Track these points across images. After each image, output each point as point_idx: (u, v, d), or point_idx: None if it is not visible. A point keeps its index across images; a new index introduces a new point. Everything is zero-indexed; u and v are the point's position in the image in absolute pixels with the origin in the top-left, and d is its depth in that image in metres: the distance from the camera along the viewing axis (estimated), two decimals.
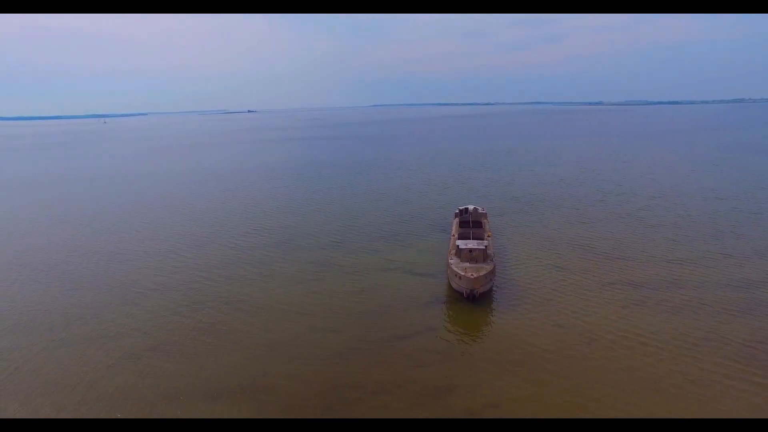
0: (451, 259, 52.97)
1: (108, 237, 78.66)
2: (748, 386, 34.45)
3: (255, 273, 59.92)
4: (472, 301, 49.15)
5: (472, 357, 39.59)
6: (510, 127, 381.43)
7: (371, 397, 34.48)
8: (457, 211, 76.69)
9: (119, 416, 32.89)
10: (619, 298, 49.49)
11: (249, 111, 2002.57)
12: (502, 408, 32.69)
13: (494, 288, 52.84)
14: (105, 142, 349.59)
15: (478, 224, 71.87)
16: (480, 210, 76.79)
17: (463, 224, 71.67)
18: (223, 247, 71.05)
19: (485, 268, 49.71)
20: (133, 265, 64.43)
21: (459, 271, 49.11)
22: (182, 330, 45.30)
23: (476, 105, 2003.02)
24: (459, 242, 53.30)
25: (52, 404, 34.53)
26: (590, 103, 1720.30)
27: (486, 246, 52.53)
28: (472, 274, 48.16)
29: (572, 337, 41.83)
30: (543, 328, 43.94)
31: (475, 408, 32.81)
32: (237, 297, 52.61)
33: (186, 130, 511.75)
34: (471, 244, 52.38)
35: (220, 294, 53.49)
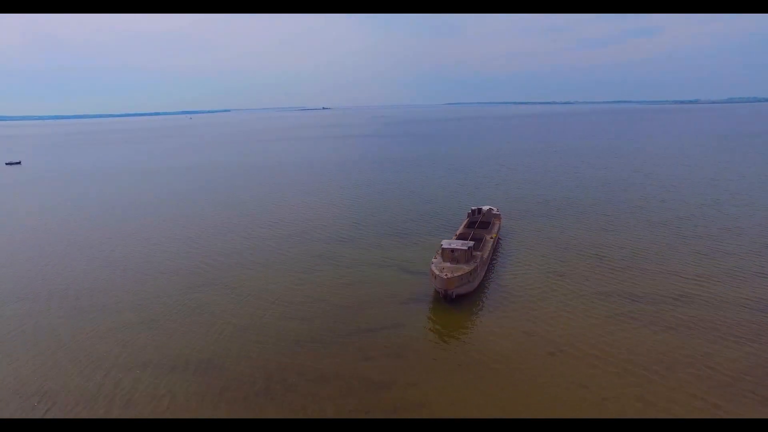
0: (435, 258, 52.64)
1: (144, 223, 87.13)
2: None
3: (258, 262, 63.56)
4: (449, 302, 48.66)
5: (424, 356, 39.43)
6: (581, 127, 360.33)
7: (308, 383, 35.87)
8: (470, 212, 75.42)
9: (89, 374, 37.29)
10: (608, 311, 46.33)
11: (323, 108, 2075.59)
12: (426, 408, 32.54)
13: (484, 290, 51.80)
14: (184, 137, 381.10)
15: (485, 225, 70.29)
16: (494, 211, 74.86)
17: (471, 225, 70.48)
18: (239, 237, 75.91)
19: (463, 269, 48.86)
20: (154, 248, 71.10)
21: (436, 271, 48.79)
22: (172, 309, 49.71)
23: (555, 104, 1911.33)
24: (444, 242, 52.76)
25: (43, 356, 39.93)
26: (685, 102, 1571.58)
27: (470, 247, 51.44)
28: (446, 275, 47.65)
29: (535, 347, 40.12)
30: (511, 335, 42.55)
31: (400, 405, 32.96)
32: (232, 283, 56.35)
33: (258, 125, 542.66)
34: (455, 244, 51.62)
35: (218, 279, 57.62)
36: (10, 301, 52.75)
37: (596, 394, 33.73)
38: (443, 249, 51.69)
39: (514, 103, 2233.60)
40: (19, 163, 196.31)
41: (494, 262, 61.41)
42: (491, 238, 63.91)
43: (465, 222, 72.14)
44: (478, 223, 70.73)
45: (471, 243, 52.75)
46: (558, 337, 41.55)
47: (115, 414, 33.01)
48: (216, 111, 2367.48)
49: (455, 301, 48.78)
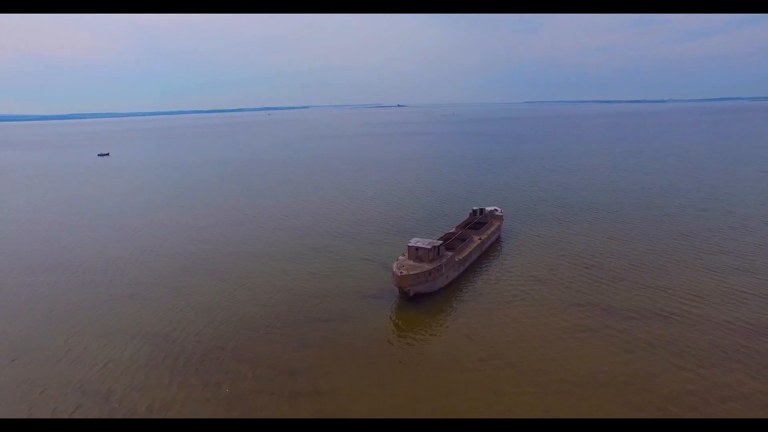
0: (402, 255, 52.98)
1: (168, 212, 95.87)
2: None
3: (253, 251, 67.91)
4: (408, 300, 48.96)
5: (355, 349, 40.35)
6: (662, 127, 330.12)
7: (236, 362, 38.65)
8: (471, 211, 74.18)
9: (64, 327, 43.13)
10: (571, 322, 43.88)
11: (398, 105, 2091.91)
12: (323, 397, 33.82)
13: (454, 290, 51.37)
14: (255, 132, 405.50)
15: (480, 225, 68.95)
16: (497, 212, 72.89)
17: (466, 224, 69.46)
18: (249, 227, 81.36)
19: (422, 268, 48.82)
20: (174, 233, 78.45)
21: (394, 268, 49.28)
22: (158, 286, 55.33)
23: (645, 102, 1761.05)
24: (412, 240, 52.88)
25: (43, 310, 46.82)
26: None
27: (435, 247, 51.10)
28: (401, 272, 47.99)
29: (468, 352, 39.42)
30: (451, 336, 42.16)
31: (302, 391, 34.46)
32: (222, 269, 60.98)
33: (331, 122, 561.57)
34: (420, 243, 51.59)
35: (211, 265, 62.58)
36: (37, 272, 61.67)
37: (505, 403, 32.79)
38: (408, 247, 51.92)
39: (599, 101, 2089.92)
40: (107, 154, 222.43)
41: (481, 262, 60.18)
42: (480, 239, 62.62)
43: (463, 221, 71.19)
44: (474, 224, 69.42)
45: (439, 243, 52.37)
46: (499, 344, 40.39)
47: (66, 369, 38.14)
48: (295, 107, 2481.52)
49: (414, 300, 48.95)
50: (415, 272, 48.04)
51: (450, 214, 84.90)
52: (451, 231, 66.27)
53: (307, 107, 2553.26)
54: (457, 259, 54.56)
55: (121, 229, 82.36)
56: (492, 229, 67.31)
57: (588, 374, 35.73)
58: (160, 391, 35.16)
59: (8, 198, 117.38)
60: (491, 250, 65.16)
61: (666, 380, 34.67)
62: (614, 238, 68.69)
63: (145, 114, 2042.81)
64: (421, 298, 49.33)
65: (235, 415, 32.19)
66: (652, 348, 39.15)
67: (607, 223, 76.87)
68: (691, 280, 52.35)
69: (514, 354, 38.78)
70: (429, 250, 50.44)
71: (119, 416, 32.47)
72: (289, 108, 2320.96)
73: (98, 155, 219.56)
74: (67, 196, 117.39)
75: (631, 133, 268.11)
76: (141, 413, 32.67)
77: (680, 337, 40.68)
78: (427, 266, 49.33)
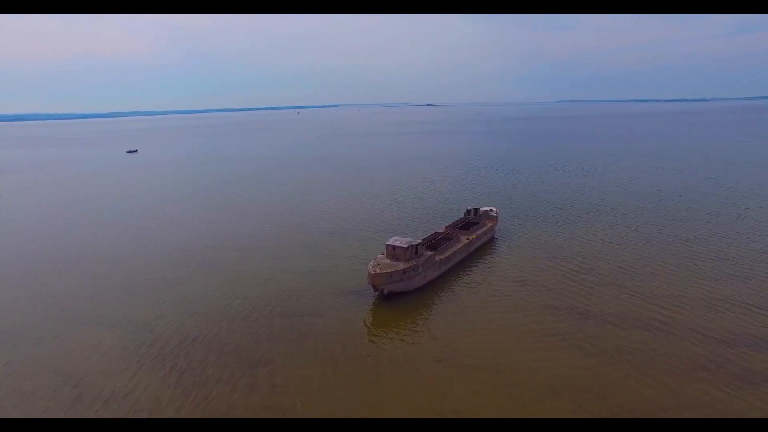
0: (381, 254, 53.31)
1: (178, 208, 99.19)
2: None
3: (248, 246, 69.83)
4: (383, 298, 49.34)
5: (315, 343, 40.99)
6: (697, 126, 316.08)
7: (204, 351, 40.18)
8: (466, 211, 73.82)
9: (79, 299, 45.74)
10: (544, 326, 43.17)
11: (427, 104, 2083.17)
12: (275, 389, 34.68)
13: (433, 290, 51.37)
14: (279, 131, 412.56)
15: (470, 225, 68.63)
16: (492, 213, 72.18)
17: (457, 224, 69.20)
18: (251, 223, 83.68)
19: (396, 267, 49.05)
20: (175, 229, 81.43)
21: (368, 267, 49.72)
22: (151, 279, 57.87)
23: (685, 101, 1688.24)
24: (390, 239, 53.11)
25: (42, 297, 49.86)
26: None
27: (412, 246, 51.17)
28: (374, 270, 48.39)
29: (429, 351, 39.42)
30: (417, 336, 42.25)
31: (257, 383, 35.42)
32: (213, 262, 63.09)
33: (357, 121, 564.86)
34: (398, 242, 51.78)
35: (204, 258, 64.80)
36: (46, 262, 65.43)
37: (450, 404, 32.67)
38: (386, 245, 52.21)
39: (636, 100, 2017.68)
40: (135, 151, 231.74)
41: (468, 263, 59.85)
42: (468, 239, 62.29)
43: (454, 221, 70.92)
44: (465, 224, 69.04)
45: (417, 242, 52.44)
46: (462, 345, 40.19)
47: (47, 352, 40.51)
48: (324, 106, 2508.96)
49: (389, 298, 49.28)
50: (389, 271, 48.32)
51: (451, 214, 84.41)
52: (439, 231, 66.13)
53: (337, 106, 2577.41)
54: (437, 259, 54.48)
55: (130, 223, 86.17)
56: (483, 229, 66.70)
57: (546, 378, 35.22)
58: (126, 376, 36.97)
59: (31, 194, 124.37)
60: (481, 250, 64.61)
61: (625, 388, 33.79)
62: (612, 242, 66.78)
63: (178, 112, 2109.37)
64: (397, 297, 49.59)
65: (189, 401, 33.49)
66: (621, 355, 38.15)
67: (608, 226, 74.77)
68: (680, 287, 50.46)
69: (475, 355, 38.58)
70: (405, 249, 50.58)
71: (83, 398, 34.29)
72: (319, 107, 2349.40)
73: (127, 152, 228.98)
74: (88, 191, 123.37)
75: (660, 133, 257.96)
76: (104, 396, 34.43)
77: (653, 345, 39.45)
78: (402, 265, 49.50)
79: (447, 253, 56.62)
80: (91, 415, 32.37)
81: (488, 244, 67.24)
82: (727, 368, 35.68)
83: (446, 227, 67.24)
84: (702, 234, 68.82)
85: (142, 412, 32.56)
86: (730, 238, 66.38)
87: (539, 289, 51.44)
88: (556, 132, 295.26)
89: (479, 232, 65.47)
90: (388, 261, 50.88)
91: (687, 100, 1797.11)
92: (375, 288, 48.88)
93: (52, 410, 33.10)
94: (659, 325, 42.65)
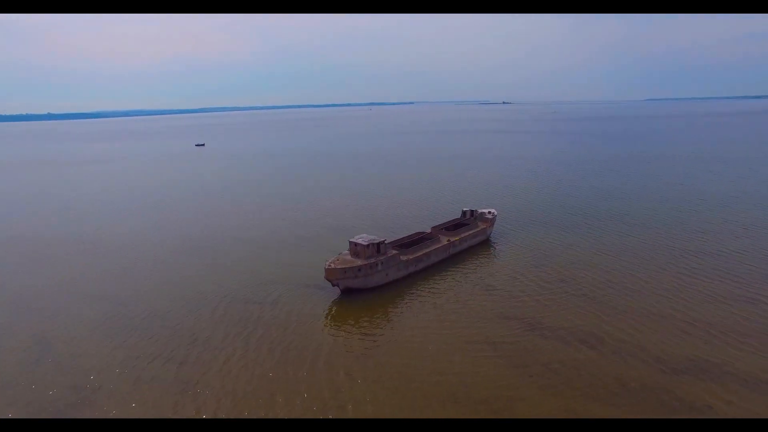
0: (346, 250, 54.39)
1: (216, 200, 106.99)
2: None
3: (249, 237, 74.39)
4: (342, 293, 50.61)
5: (256, 329, 43.42)
6: None
7: (156, 327, 44.46)
8: (462, 212, 72.54)
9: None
10: (483, 335, 41.80)
11: (503, 102, 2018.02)
12: (196, 365, 37.51)
13: (396, 290, 51.69)
14: (345, 126, 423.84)
15: (460, 226, 67.50)
16: (487, 215, 70.20)
17: (447, 225, 68.33)
18: (264, 216, 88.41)
19: (352, 263, 49.97)
20: (200, 219, 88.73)
21: (328, 261, 51.15)
22: (146, 264, 64.11)
23: None
24: (355, 237, 53.96)
25: (52, 273, 57.64)
26: None
27: (373, 244, 51.67)
28: (329, 265, 49.69)
29: (347, 350, 40.11)
30: (348, 334, 42.96)
31: (188, 360, 38.59)
32: (212, 251, 68.27)
33: (425, 118, 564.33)
34: (360, 239, 52.55)
35: (206, 248, 70.17)
36: (73, 243, 74.67)
37: (338, 401, 33.28)
38: (349, 242, 53.23)
39: (742, 98, 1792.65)
40: (203, 144, 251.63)
41: (446, 265, 59.16)
42: (449, 241, 61.41)
43: (445, 222, 70.09)
44: (455, 225, 67.96)
45: (379, 239, 52.86)
46: (384, 347, 40.40)
47: (34, 319, 46.98)
48: (399, 103, 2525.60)
49: (347, 294, 50.41)
50: (342, 266, 49.40)
51: (455, 215, 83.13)
52: (424, 231, 65.68)
53: (412, 103, 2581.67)
54: (403, 259, 54.50)
55: (159, 212, 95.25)
56: (471, 231, 65.17)
57: (450, 386, 34.55)
58: (85, 342, 42.16)
59: (94, 183, 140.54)
60: (467, 253, 63.27)
61: (527, 406, 32.20)
62: (610, 252, 61.95)
63: (263, 108, 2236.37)
64: (356, 294, 50.55)
65: (128, 370, 37.42)
66: (544, 372, 36.11)
67: (615, 235, 69.25)
68: (657, 306, 46.08)
69: (391, 359, 38.44)
70: (365, 246, 51.28)
71: (43, 360, 39.65)
72: (394, 104, 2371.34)
73: (195, 145, 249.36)
74: (138, 181, 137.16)
75: (747, 134, 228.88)
76: (60, 358, 39.55)
77: (588, 365, 36.83)
78: (359, 262, 50.33)
79: (417, 254, 56.37)
80: (42, 373, 37.43)
81: (478, 247, 65.60)
82: (640, 395, 32.67)
83: (433, 227, 66.58)
84: (716, 249, 61.50)
85: (84, 374, 36.94)
86: (744, 255, 58.78)
87: (502, 298, 49.59)
88: (631, 132, 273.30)
89: (466, 234, 64.10)
90: (349, 257, 51.96)
91: None
92: (331, 283, 50.21)
93: (11, 367, 38.64)
94: (610, 345, 39.64)
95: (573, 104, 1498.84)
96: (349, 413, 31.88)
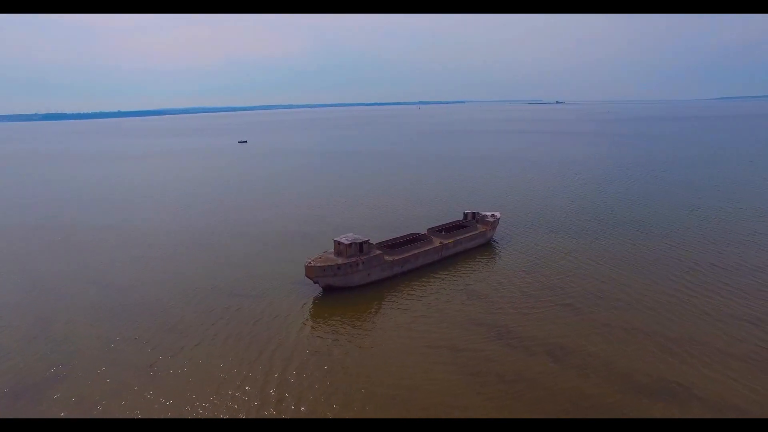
0: (331, 249, 55.12)
1: (239, 197, 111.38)
2: None
3: (253, 233, 77.07)
4: (324, 291, 51.51)
5: (231, 321, 45.21)
6: None
7: (141, 312, 47.54)
8: (464, 214, 71.44)
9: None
10: (448, 341, 41.20)
11: (557, 102, 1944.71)
12: (171, 354, 39.66)
13: (378, 291, 51.96)
14: (391, 125, 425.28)
15: (457, 228, 66.60)
16: (488, 218, 68.65)
17: (446, 227, 67.55)
18: (276, 212, 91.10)
19: (333, 261, 50.64)
20: (221, 214, 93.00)
21: (309, 259, 52.14)
22: (160, 253, 67.90)
23: None
24: (342, 236, 54.53)
25: (72, 257, 62.82)
26: None
27: (360, 243, 52.07)
28: (310, 263, 50.63)
29: (312, 349, 40.65)
30: (321, 333, 43.62)
31: (163, 346, 41.00)
32: (217, 245, 71.46)
33: (473, 117, 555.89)
34: (344, 238, 53.07)
35: (213, 243, 73.52)
36: (97, 231, 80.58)
37: (276, 395, 34.17)
38: (334, 241, 53.92)
39: None
40: (245, 141, 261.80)
41: (438, 267, 58.61)
42: (441, 243, 60.69)
43: (443, 223, 69.29)
44: (453, 227, 67.03)
45: (363, 239, 53.16)
46: (348, 348, 40.79)
47: (37, 297, 51.37)
48: (450, 102, 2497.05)
49: (329, 292, 51.26)
50: (322, 264, 50.19)
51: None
52: (419, 232, 65.18)
53: (463, 102, 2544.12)
54: (388, 259, 54.51)
55: (188, 206, 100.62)
56: (468, 234, 63.97)
57: (395, 390, 34.48)
58: (79, 325, 45.70)
59: (142, 176, 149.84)
60: (462, 256, 62.25)
61: (465, 416, 31.54)
62: (608, 261, 58.76)
63: (314, 106, 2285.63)
64: (337, 292, 51.26)
65: (106, 351, 40.32)
66: (498, 382, 35.16)
67: (623, 244, 65.31)
68: (641, 320, 43.36)
69: (346, 358, 38.88)
70: (348, 245, 51.80)
71: (43, 334, 43.42)
72: (444, 102, 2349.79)
73: (238, 142, 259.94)
74: (180, 175, 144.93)
75: None
76: (56, 336, 43.17)
77: (545, 378, 35.41)
78: (340, 260, 50.92)
79: (403, 255, 56.16)
80: (37, 348, 41.09)
81: (475, 250, 64.30)
82: (596, 416, 30.95)
83: (429, 229, 65.93)
84: (733, 263, 56.55)
85: (68, 353, 40.13)
86: (764, 271, 53.68)
87: (481, 304, 48.48)
88: (677, 134, 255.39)
89: (462, 236, 63.03)
90: (332, 256, 52.70)
91: None
92: (312, 280, 51.16)
93: (9, 342, 42.59)
94: (577, 359, 37.92)
95: (629, 103, 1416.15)
96: (289, 411, 32.59)
